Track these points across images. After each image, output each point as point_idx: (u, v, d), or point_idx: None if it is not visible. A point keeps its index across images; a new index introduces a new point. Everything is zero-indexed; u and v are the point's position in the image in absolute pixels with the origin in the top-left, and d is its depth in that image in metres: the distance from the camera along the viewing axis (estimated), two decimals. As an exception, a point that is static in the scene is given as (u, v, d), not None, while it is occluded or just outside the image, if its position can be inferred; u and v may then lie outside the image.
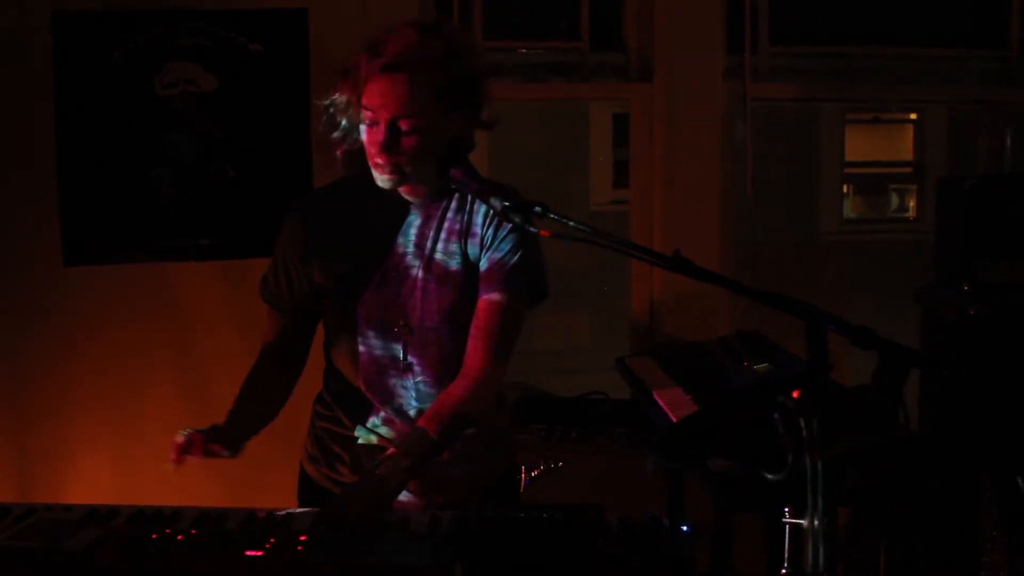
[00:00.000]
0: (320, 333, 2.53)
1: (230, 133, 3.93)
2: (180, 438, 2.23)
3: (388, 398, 2.39)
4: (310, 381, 2.56)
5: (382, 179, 2.25)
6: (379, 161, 2.21)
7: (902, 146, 15.41)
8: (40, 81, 3.81)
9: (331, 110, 2.28)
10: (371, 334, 2.37)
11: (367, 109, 2.19)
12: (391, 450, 2.25)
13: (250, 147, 3.94)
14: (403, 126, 2.18)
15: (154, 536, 1.94)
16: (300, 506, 2.32)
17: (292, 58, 3.91)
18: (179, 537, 1.93)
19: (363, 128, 2.23)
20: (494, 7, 4.44)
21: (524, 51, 5.15)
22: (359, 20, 3.79)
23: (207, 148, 3.93)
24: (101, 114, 3.86)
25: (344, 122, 2.27)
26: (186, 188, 3.93)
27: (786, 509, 2.13)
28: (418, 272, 2.34)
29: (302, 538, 1.92)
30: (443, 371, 2.37)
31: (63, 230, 3.88)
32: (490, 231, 2.35)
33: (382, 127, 2.18)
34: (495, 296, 2.35)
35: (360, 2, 3.82)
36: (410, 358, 2.36)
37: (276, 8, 3.92)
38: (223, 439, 2.31)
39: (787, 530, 2.09)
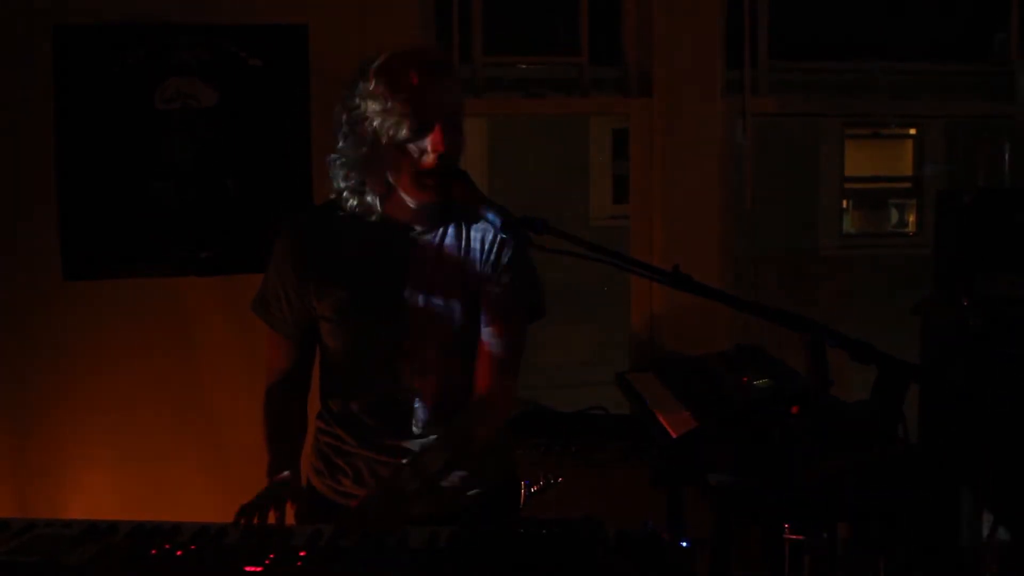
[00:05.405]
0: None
1: (230, 147, 3.94)
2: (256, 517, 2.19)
3: (388, 422, 2.40)
4: (311, 395, 2.56)
5: (420, 198, 2.27)
6: (427, 181, 2.24)
7: (901, 161, 15.46)
8: (40, 94, 3.82)
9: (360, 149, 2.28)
10: (371, 360, 2.37)
11: (420, 115, 2.20)
12: (409, 462, 2.29)
13: (250, 161, 3.94)
14: (449, 128, 2.23)
15: (153, 551, 1.94)
16: (304, 519, 2.32)
17: (292, 73, 3.92)
18: (178, 552, 1.93)
19: (394, 156, 2.24)
20: (493, 22, 4.45)
21: (524, 66, 5.17)
22: (358, 36, 3.81)
23: (207, 162, 3.93)
24: (101, 128, 3.87)
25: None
26: (186, 202, 3.93)
27: (785, 524, 2.13)
28: (418, 300, 2.34)
29: (302, 554, 1.92)
30: (443, 395, 2.38)
31: (63, 244, 3.88)
32: (491, 258, 2.36)
33: (438, 130, 2.21)
34: (500, 322, 2.38)
35: (359, 18, 3.83)
36: (409, 383, 2.37)
37: (276, 24, 3.92)
38: (296, 493, 2.32)
39: (786, 545, 2.09)
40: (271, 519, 2.18)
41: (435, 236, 2.37)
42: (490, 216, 2.14)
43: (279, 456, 2.41)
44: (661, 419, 3.31)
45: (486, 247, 2.37)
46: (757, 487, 2.78)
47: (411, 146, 2.23)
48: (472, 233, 2.37)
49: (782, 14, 4.64)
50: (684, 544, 1.94)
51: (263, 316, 2.47)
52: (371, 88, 2.24)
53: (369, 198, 2.32)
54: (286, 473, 2.34)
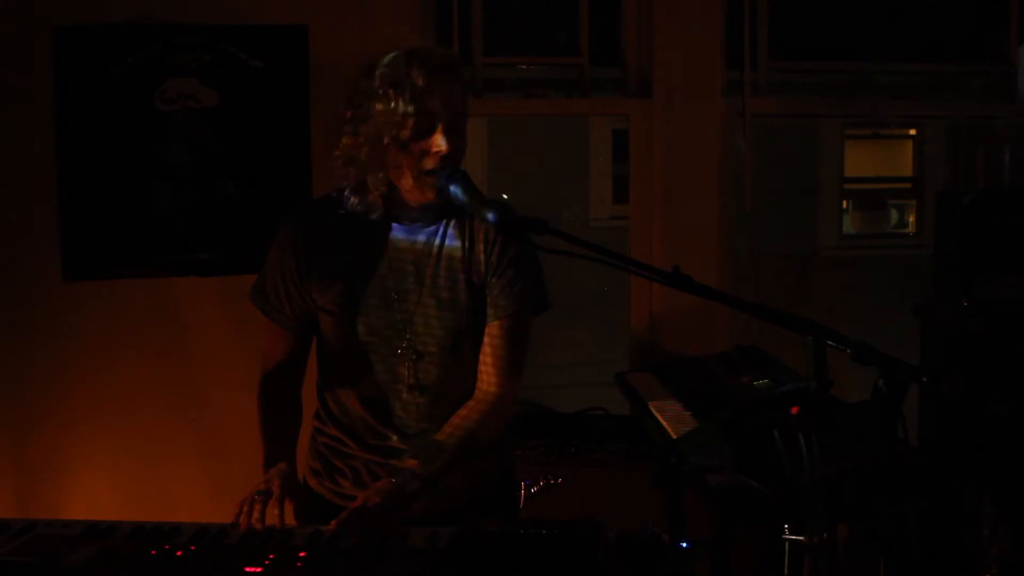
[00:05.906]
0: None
1: (230, 148, 3.94)
2: (256, 521, 2.16)
3: (388, 419, 2.40)
4: (307, 394, 2.55)
5: (421, 197, 2.28)
6: (428, 181, 2.24)
7: (901, 161, 15.44)
8: (40, 95, 3.82)
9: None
10: (371, 356, 2.37)
11: (424, 116, 2.21)
12: (409, 461, 2.27)
13: (250, 162, 3.94)
14: (453, 129, 2.24)
15: (153, 552, 1.94)
16: (301, 520, 2.32)
17: (292, 74, 3.92)
18: (178, 553, 1.93)
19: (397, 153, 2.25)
20: (494, 23, 4.46)
21: (523, 67, 5.16)
22: (359, 37, 3.81)
23: (207, 163, 3.93)
24: (101, 129, 3.86)
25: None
26: (186, 203, 3.93)
27: (786, 525, 2.13)
28: (419, 296, 2.35)
29: (301, 554, 1.92)
30: (444, 392, 2.39)
31: (63, 244, 3.88)
32: (493, 256, 2.36)
33: (441, 131, 2.22)
34: (504, 320, 2.37)
35: (360, 19, 3.83)
36: (411, 380, 2.37)
37: (276, 24, 3.93)
38: (295, 489, 2.31)
39: (786, 546, 2.09)
40: (271, 517, 2.18)
41: (437, 234, 2.37)
42: (490, 216, 2.14)
43: (275, 447, 2.40)
44: (661, 419, 3.31)
45: (488, 244, 2.37)
46: (757, 487, 2.78)
47: (414, 146, 2.23)
48: (474, 230, 2.37)
49: (782, 14, 4.64)
50: (684, 545, 1.94)
51: (261, 307, 2.46)
52: (376, 87, 2.24)
53: (371, 196, 2.32)
54: (283, 465, 2.34)
